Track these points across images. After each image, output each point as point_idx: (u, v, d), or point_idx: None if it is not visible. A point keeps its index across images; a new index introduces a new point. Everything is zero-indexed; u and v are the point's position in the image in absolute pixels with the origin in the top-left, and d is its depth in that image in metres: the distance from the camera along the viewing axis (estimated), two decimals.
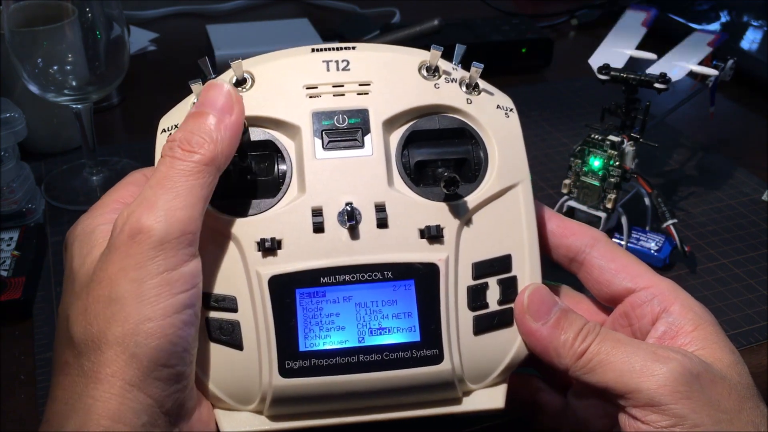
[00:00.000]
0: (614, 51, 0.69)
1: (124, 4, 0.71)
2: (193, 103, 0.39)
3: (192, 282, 0.34)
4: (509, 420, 0.40)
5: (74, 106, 0.69)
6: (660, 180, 0.80)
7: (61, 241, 0.67)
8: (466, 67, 0.40)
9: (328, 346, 0.35)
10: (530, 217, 0.39)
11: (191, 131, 0.36)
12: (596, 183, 0.64)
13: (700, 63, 0.71)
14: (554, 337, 0.36)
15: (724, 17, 1.16)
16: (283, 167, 0.39)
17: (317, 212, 0.37)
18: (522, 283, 0.38)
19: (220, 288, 0.37)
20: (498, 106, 0.41)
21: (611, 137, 0.64)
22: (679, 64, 0.66)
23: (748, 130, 0.94)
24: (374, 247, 0.37)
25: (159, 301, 0.33)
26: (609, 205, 0.64)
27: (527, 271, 0.39)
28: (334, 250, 0.36)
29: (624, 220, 0.66)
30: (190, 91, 0.39)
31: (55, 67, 0.67)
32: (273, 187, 0.38)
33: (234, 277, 0.37)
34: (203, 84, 0.39)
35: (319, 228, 0.37)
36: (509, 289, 0.38)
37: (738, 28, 1.15)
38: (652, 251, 0.65)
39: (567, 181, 0.66)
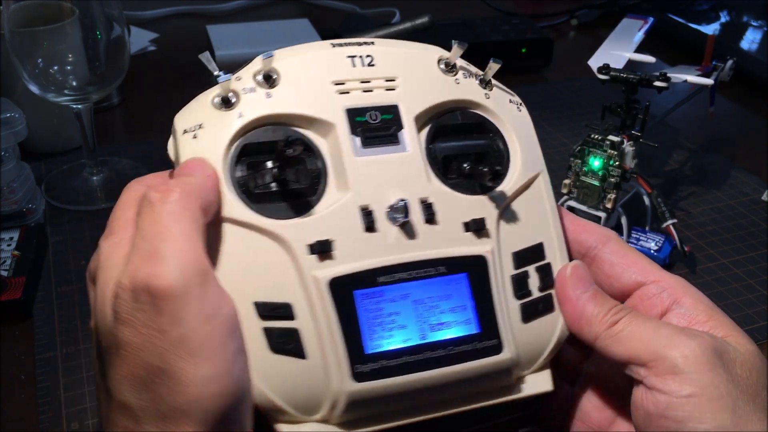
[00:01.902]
0: (612, 54, 0.69)
1: (124, 4, 0.71)
2: (216, 96, 0.37)
3: (235, 321, 0.32)
4: (510, 420, 0.40)
5: (74, 106, 0.69)
6: (660, 180, 0.80)
7: (61, 241, 0.67)
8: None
9: (393, 346, 0.35)
10: (553, 206, 0.40)
11: (163, 180, 0.35)
12: (596, 183, 0.64)
13: (698, 69, 0.71)
14: (589, 307, 0.37)
15: (724, 17, 1.16)
16: (316, 166, 0.37)
17: (366, 211, 0.36)
18: (555, 270, 0.39)
19: (272, 295, 0.35)
20: (510, 101, 0.42)
21: (611, 137, 0.64)
22: (676, 75, 0.66)
23: (748, 130, 0.94)
24: (425, 243, 0.36)
25: (214, 357, 0.30)
26: (609, 205, 0.64)
27: (558, 258, 0.40)
28: (387, 248, 0.36)
29: (624, 220, 0.67)
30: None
31: (56, 67, 0.67)
32: (309, 187, 0.37)
33: (286, 283, 0.35)
34: (217, 80, 0.37)
35: (370, 227, 0.36)
36: (547, 276, 0.39)
37: (738, 28, 1.15)
38: (652, 251, 0.65)
39: (567, 181, 0.66)
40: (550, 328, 0.39)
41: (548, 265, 0.39)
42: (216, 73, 0.37)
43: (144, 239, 0.32)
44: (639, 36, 0.72)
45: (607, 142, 0.64)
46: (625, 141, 0.64)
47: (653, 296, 0.38)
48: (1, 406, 0.52)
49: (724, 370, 0.34)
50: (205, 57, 0.38)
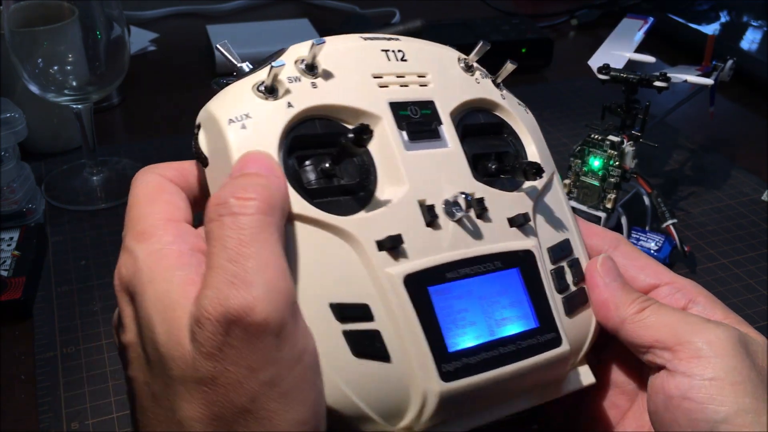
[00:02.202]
0: (612, 54, 0.69)
1: (124, 4, 0.71)
2: (260, 83, 0.34)
3: (317, 356, 0.30)
4: (511, 421, 0.40)
5: (74, 106, 0.69)
6: (660, 180, 0.80)
7: (61, 241, 0.67)
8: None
9: (469, 344, 0.34)
10: (568, 204, 0.41)
11: (236, 183, 0.31)
12: (596, 183, 0.64)
13: (698, 69, 0.71)
14: (618, 294, 0.38)
15: (724, 17, 1.16)
16: (362, 160, 0.36)
17: (426, 206, 0.35)
18: (582, 265, 0.40)
19: (348, 296, 0.33)
20: (518, 103, 0.42)
21: (611, 137, 0.64)
22: (676, 75, 0.66)
23: (748, 130, 0.94)
24: (480, 238, 0.36)
25: (305, 399, 0.29)
26: (609, 205, 0.64)
27: (581, 253, 0.40)
28: (450, 243, 0.35)
29: (624, 220, 0.67)
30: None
31: (56, 68, 0.67)
32: (359, 182, 0.36)
33: (359, 282, 0.33)
34: (241, 72, 0.35)
35: (432, 222, 0.35)
36: (578, 270, 0.39)
37: (738, 28, 1.15)
38: (652, 251, 0.65)
39: (567, 181, 0.66)
40: (588, 321, 0.39)
41: (577, 260, 0.39)
42: (239, 64, 0.36)
43: (230, 260, 0.28)
44: (639, 36, 0.72)
45: (607, 142, 0.64)
46: (625, 141, 0.64)
47: (668, 296, 0.39)
48: (1, 406, 0.52)
49: (748, 358, 0.34)
50: (224, 46, 0.36)
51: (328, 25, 1.10)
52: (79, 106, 0.69)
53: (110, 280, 0.63)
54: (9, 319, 0.59)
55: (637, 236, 0.66)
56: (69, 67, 0.67)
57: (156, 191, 0.34)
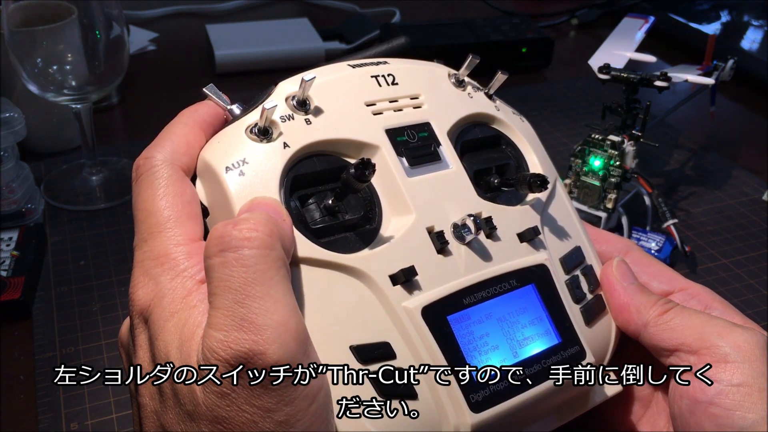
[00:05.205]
0: (613, 53, 0.69)
1: (124, 4, 0.71)
2: (253, 126, 0.34)
3: (329, 392, 0.30)
4: None
5: (74, 106, 0.69)
6: (660, 180, 0.80)
7: (60, 241, 0.67)
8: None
9: (495, 369, 0.34)
10: (573, 209, 0.41)
11: (239, 217, 0.30)
12: (597, 183, 0.64)
13: (699, 69, 0.71)
14: (638, 296, 0.37)
15: (724, 17, 1.16)
16: (365, 192, 0.35)
17: (435, 233, 0.35)
18: (595, 270, 0.39)
19: (367, 336, 0.32)
20: (513, 113, 0.42)
21: (612, 137, 0.64)
22: (676, 75, 0.66)
23: (748, 130, 0.94)
24: (493, 258, 0.36)
25: None
26: (609, 205, 0.64)
27: (593, 259, 0.39)
28: (463, 268, 0.35)
29: (624, 220, 0.66)
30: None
31: (55, 67, 0.67)
32: (363, 215, 0.35)
33: (377, 320, 0.33)
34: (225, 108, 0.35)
35: (442, 248, 0.35)
36: (592, 277, 0.39)
37: (738, 28, 1.15)
38: (653, 251, 0.65)
39: (567, 181, 0.66)
40: (608, 328, 0.38)
41: (591, 267, 0.39)
42: (229, 106, 0.35)
43: (237, 302, 0.28)
44: (639, 35, 0.72)
45: (608, 142, 0.64)
46: (625, 141, 0.64)
47: (682, 303, 0.38)
48: (1, 406, 0.52)
49: None
50: (212, 89, 0.36)
51: (328, 24, 1.10)
52: (79, 106, 0.69)
53: (110, 280, 0.63)
54: (8, 319, 0.59)
55: (638, 236, 0.66)
56: (68, 67, 0.67)
57: (171, 194, 0.33)
